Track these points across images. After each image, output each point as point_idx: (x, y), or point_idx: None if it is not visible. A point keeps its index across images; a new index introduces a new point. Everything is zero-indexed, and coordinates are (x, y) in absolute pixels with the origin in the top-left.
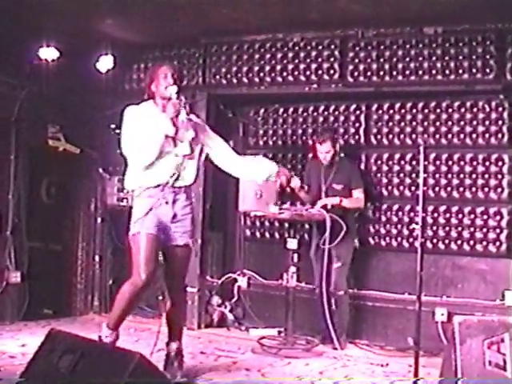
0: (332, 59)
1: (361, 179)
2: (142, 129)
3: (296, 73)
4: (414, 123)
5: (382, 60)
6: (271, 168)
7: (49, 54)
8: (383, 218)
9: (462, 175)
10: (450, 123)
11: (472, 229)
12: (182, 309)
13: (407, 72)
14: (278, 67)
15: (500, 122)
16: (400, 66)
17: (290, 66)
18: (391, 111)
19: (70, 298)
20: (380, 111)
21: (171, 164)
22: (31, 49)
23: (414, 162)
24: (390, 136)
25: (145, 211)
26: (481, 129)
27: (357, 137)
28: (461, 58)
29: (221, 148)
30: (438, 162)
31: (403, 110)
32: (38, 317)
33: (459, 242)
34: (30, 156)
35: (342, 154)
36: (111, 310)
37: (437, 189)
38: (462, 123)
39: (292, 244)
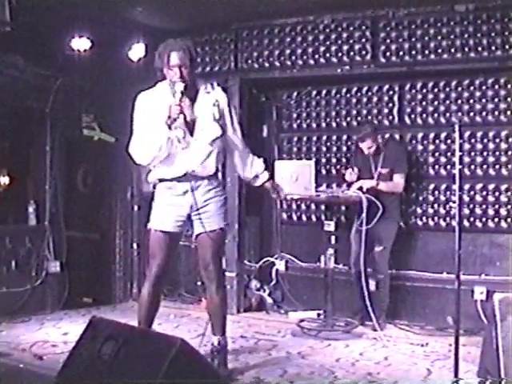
0: (363, 40)
1: (405, 164)
2: (148, 123)
3: (328, 55)
4: (448, 102)
5: (413, 39)
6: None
7: (81, 44)
8: (420, 198)
9: (497, 152)
10: (484, 100)
11: (509, 206)
12: (219, 301)
13: (439, 50)
14: (310, 50)
15: None
16: (432, 44)
17: (322, 48)
18: (424, 90)
19: (110, 286)
20: (413, 91)
21: (186, 155)
22: (63, 40)
23: (448, 141)
24: (424, 115)
25: (159, 205)
26: None
27: (390, 117)
28: (493, 34)
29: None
30: (473, 140)
31: (436, 89)
32: (78, 305)
33: (497, 219)
34: (65, 146)
35: (387, 135)
36: None
37: (472, 167)
38: (497, 100)
39: (329, 226)
